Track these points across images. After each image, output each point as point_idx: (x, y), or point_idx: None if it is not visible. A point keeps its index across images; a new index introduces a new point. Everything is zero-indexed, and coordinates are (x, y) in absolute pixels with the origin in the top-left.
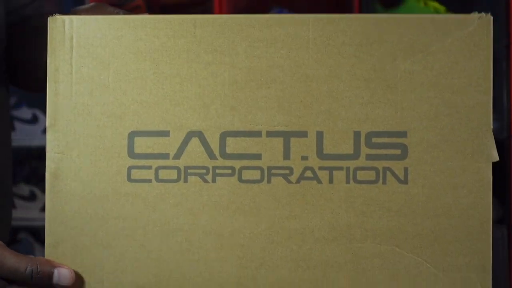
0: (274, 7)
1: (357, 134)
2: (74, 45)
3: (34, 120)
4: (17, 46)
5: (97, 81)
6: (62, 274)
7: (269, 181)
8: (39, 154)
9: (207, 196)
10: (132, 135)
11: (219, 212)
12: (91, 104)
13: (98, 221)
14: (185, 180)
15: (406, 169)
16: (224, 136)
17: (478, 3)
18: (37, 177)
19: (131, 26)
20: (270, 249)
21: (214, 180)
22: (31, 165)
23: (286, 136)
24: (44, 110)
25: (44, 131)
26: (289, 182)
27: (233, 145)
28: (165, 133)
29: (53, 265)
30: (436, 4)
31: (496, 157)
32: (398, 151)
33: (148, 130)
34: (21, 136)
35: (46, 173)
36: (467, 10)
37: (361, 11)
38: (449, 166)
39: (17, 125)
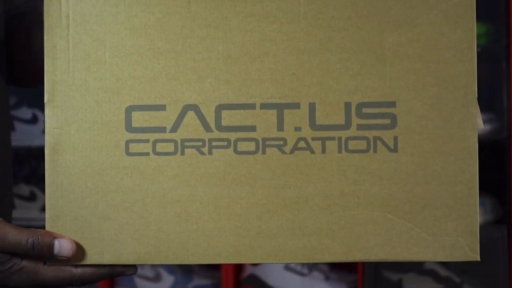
0: None
1: (348, 105)
2: (71, 22)
3: (34, 120)
4: (13, 42)
5: (93, 57)
6: (63, 245)
7: (264, 152)
8: (39, 154)
9: (203, 168)
10: (129, 110)
11: (216, 183)
12: (88, 79)
13: (97, 194)
14: (182, 153)
15: (395, 138)
16: (219, 109)
17: (478, 3)
18: (37, 177)
19: (127, 3)
20: (266, 218)
21: (210, 152)
22: (31, 165)
23: (280, 108)
24: (44, 110)
25: (44, 131)
26: (283, 152)
27: (228, 117)
28: (161, 107)
29: (54, 236)
30: None
31: (481, 125)
32: (387, 121)
33: (144, 104)
34: (21, 136)
35: (46, 148)
36: None
37: None
38: (437, 134)
39: (17, 125)
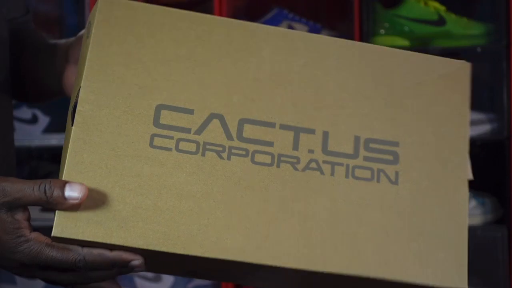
0: (274, 7)
1: (357, 138)
2: (120, 23)
3: (34, 120)
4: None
5: (135, 57)
6: (73, 185)
7: (278, 166)
8: (39, 154)
9: (221, 170)
10: (160, 107)
11: (231, 186)
12: (126, 74)
13: (116, 176)
14: (203, 154)
15: (397, 173)
16: (242, 122)
17: (478, 3)
18: (37, 177)
19: (173, 17)
20: (274, 224)
21: (229, 158)
22: (31, 165)
23: (296, 130)
24: (44, 110)
25: (44, 131)
26: (296, 169)
27: (250, 130)
28: (189, 111)
29: (65, 181)
30: (437, 4)
31: (470, 176)
32: (391, 157)
33: (175, 105)
34: (21, 136)
35: (74, 126)
36: (467, 10)
37: (361, 10)
38: (433, 175)
39: (17, 125)
